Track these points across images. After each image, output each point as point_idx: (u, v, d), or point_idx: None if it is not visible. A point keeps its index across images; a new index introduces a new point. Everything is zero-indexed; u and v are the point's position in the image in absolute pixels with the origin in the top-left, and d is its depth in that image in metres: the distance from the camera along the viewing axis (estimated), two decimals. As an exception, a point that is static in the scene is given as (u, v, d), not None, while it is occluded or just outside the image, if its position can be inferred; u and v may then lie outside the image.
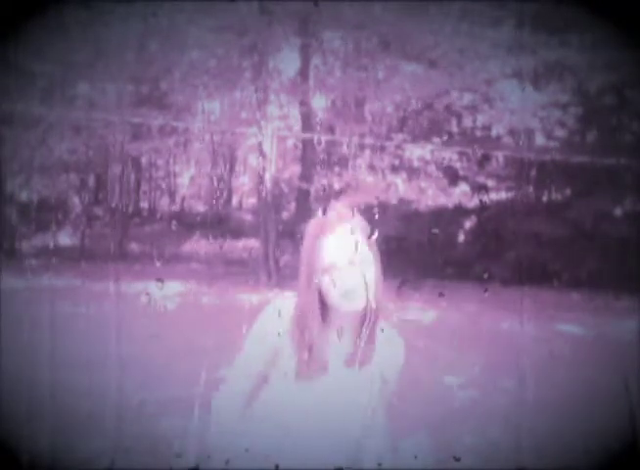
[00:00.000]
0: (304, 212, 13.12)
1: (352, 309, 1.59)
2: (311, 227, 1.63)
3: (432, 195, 12.18)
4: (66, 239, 16.56)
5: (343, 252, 1.57)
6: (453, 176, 12.84)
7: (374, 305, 1.60)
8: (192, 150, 21.45)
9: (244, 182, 21.42)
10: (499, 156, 13.36)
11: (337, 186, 12.91)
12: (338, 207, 1.65)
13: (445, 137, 13.93)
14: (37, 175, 15.94)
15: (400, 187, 11.95)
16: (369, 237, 1.62)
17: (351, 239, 1.58)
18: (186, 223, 18.34)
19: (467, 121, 14.72)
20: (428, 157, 12.82)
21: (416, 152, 12.71)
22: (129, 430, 3.85)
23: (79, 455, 3.53)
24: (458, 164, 13.08)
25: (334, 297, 1.58)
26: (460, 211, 13.39)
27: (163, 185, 23.36)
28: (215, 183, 21.16)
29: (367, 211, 1.72)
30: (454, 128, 14.82)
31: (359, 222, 1.63)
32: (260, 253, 12.78)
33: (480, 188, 13.22)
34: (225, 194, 21.45)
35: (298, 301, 1.62)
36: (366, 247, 1.60)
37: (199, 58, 13.02)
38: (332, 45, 13.34)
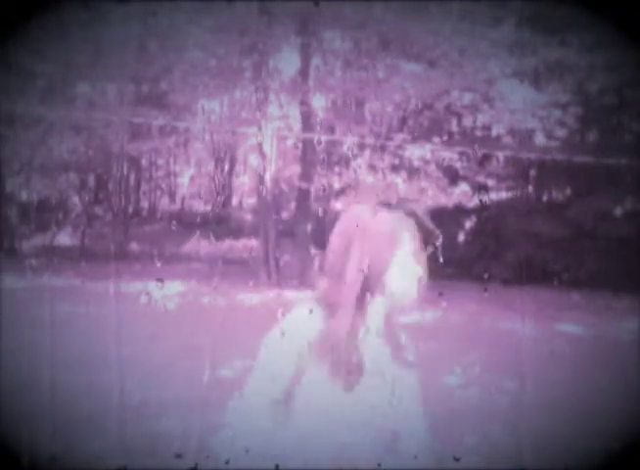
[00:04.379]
0: (304, 212, 13.11)
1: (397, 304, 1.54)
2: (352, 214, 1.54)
3: (432, 195, 12.16)
4: (66, 239, 16.55)
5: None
6: (453, 176, 12.84)
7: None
8: (192, 150, 21.48)
9: (244, 182, 21.41)
10: (499, 156, 13.36)
11: (337, 186, 12.91)
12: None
13: (445, 137, 13.93)
14: (37, 175, 15.95)
15: (400, 187, 11.93)
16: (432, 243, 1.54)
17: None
18: (186, 223, 18.34)
19: (467, 121, 14.72)
20: (428, 156, 12.81)
21: (416, 152, 12.70)
22: (129, 430, 3.85)
23: (79, 455, 3.53)
24: (458, 164, 13.08)
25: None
26: (460, 211, 13.39)
27: (164, 185, 23.39)
28: (215, 183, 21.17)
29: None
30: (454, 128, 14.83)
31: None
32: (260, 253, 12.77)
33: (481, 188, 13.22)
34: (225, 194, 21.48)
35: (329, 296, 1.47)
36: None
37: (199, 58, 13.01)
38: (332, 45, 13.32)
